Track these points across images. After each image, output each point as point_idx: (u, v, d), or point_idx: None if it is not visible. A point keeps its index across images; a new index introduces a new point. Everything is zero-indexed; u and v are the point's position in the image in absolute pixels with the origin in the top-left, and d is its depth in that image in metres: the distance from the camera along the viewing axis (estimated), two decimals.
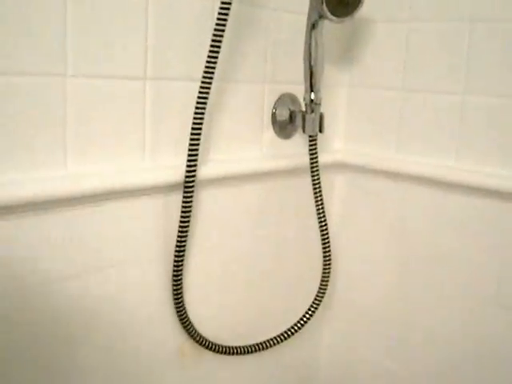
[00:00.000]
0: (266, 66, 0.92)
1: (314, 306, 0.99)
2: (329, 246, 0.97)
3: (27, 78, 0.67)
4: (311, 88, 0.91)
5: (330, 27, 0.96)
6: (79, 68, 0.71)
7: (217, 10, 0.78)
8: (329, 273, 0.98)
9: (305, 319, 0.99)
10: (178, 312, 0.87)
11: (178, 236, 0.83)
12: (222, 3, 0.78)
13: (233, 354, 0.94)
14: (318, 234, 0.97)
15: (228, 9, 0.78)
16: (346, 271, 1.09)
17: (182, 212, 0.82)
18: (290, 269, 1.03)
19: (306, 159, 0.95)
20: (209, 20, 0.82)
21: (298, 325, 0.99)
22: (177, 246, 0.83)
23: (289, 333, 0.99)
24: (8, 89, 0.66)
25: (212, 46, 0.79)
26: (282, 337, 0.98)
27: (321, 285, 0.98)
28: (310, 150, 0.94)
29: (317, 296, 0.99)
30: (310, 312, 0.99)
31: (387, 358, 1.05)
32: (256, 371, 1.02)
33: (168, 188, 0.82)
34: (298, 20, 0.92)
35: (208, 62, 0.79)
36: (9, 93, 0.66)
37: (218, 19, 0.78)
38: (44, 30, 0.67)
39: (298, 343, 1.06)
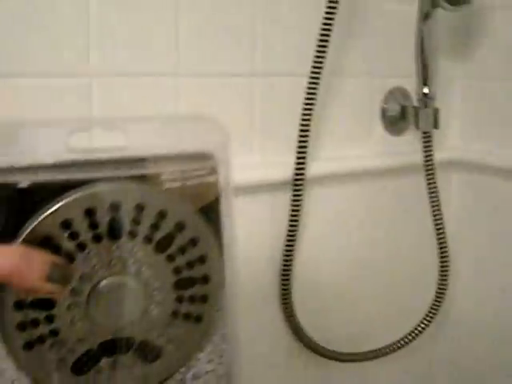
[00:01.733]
0: (375, 59, 0.89)
1: (431, 314, 0.93)
2: (446, 250, 0.91)
3: None
4: (424, 81, 0.87)
5: (444, 16, 0.90)
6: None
7: (324, 4, 0.76)
8: (446, 278, 0.92)
9: (420, 328, 0.93)
10: (286, 313, 0.84)
11: (288, 235, 0.81)
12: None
13: (341, 360, 0.90)
14: (433, 236, 0.91)
15: (336, 1, 0.76)
16: (464, 276, 1.01)
17: (292, 210, 0.80)
18: (403, 272, 0.98)
19: (419, 157, 0.90)
20: (316, 13, 0.79)
21: (413, 334, 0.93)
22: (286, 245, 0.81)
23: (403, 342, 0.93)
24: None
25: (320, 40, 0.77)
26: (397, 344, 0.93)
27: (438, 290, 0.92)
28: (425, 147, 0.89)
29: (434, 302, 0.93)
30: (425, 321, 0.93)
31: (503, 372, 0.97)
32: (367, 379, 0.98)
33: (276, 185, 0.80)
34: (408, 10, 0.88)
35: (316, 56, 0.77)
36: None
37: (327, 13, 0.76)
38: None
39: (412, 351, 0.99)
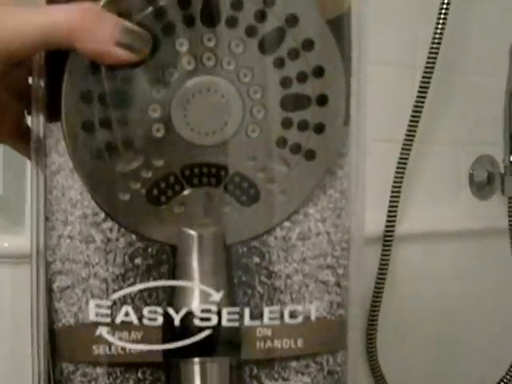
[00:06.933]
0: (465, 128, 0.96)
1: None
2: None
3: None
4: (511, 150, 0.93)
5: None
6: None
7: (418, 77, 0.85)
8: None
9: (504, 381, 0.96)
10: (369, 359, 0.90)
11: (376, 287, 0.88)
12: (425, 72, 0.85)
13: None
14: None
15: (430, 77, 0.85)
16: None
17: (381, 264, 0.87)
18: (484, 328, 1.01)
19: (504, 221, 0.95)
20: (409, 86, 0.88)
21: None
22: (374, 296, 0.88)
23: None
24: None
25: (414, 111, 0.85)
26: None
27: None
28: (510, 211, 0.94)
29: None
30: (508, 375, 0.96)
31: None
32: None
33: (366, 242, 0.88)
34: (498, 84, 0.95)
35: (410, 125, 0.85)
36: None
37: (421, 87, 0.85)
38: None
39: None
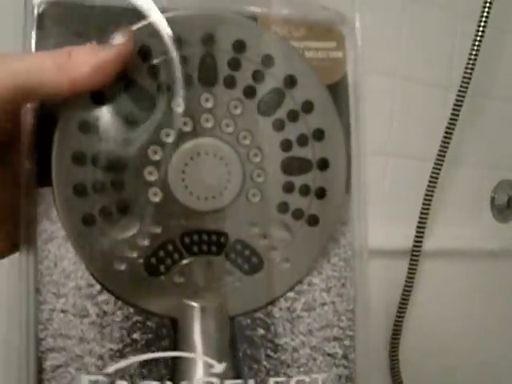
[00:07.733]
0: (489, 151, 0.99)
1: None
2: None
3: None
4: None
5: None
6: None
7: (451, 100, 0.89)
8: None
9: None
10: (392, 375, 0.92)
11: (402, 298, 0.90)
12: (458, 96, 0.88)
13: None
14: None
15: (463, 100, 0.88)
16: None
17: (407, 278, 0.89)
18: (495, 353, 1.04)
19: None
20: (441, 108, 0.92)
21: None
22: (399, 308, 0.90)
23: None
24: None
25: (446, 132, 0.88)
26: None
27: None
28: None
29: None
30: None
31: None
32: None
33: (394, 255, 0.90)
34: None
35: (441, 145, 0.89)
36: None
37: (454, 109, 0.88)
38: None
39: None
